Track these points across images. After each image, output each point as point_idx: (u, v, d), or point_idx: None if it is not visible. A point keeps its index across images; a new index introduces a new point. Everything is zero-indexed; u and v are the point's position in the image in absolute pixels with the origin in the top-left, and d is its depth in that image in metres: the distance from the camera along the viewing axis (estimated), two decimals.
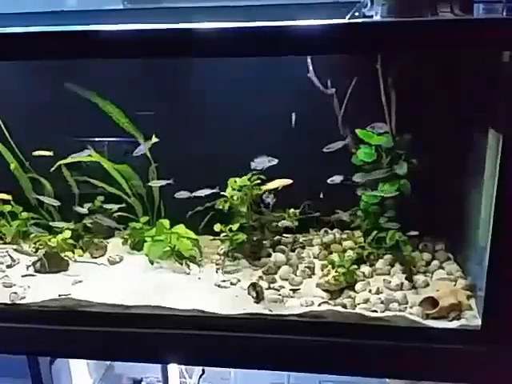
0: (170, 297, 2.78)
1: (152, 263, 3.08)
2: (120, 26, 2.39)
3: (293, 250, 3.19)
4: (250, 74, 3.13)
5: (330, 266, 2.87)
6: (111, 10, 3.49)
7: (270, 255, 3.15)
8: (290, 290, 2.86)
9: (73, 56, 2.58)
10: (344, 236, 3.26)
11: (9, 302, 2.79)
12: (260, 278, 2.99)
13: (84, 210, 3.24)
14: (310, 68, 2.96)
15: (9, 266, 3.14)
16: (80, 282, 2.95)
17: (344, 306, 2.65)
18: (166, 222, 3.15)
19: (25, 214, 3.36)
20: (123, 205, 3.38)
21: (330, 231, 3.32)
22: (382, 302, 2.65)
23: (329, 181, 2.91)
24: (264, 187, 3.07)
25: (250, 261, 3.14)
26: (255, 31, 2.34)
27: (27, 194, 3.43)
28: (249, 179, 3.12)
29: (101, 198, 3.45)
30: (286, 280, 2.97)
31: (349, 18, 2.58)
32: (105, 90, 3.29)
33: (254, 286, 2.80)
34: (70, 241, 3.13)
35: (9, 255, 3.21)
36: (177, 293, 2.84)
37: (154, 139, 3.09)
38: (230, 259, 3.16)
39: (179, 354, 2.76)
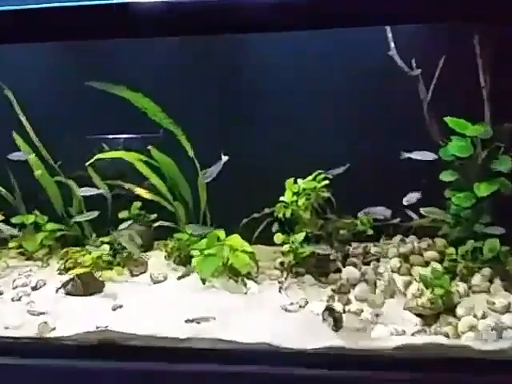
0: (229, 325, 2.32)
1: (204, 282, 2.61)
2: None
3: (366, 263, 2.72)
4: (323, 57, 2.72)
5: (420, 285, 2.40)
6: None
7: (339, 270, 2.68)
8: (372, 314, 2.39)
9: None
10: (423, 245, 2.77)
11: (36, 336, 2.34)
12: (331, 297, 2.51)
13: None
14: (392, 45, 2.46)
15: (34, 288, 2.69)
16: (120, 306, 2.49)
17: (446, 336, 2.17)
18: (221, 234, 2.67)
19: (52, 226, 2.92)
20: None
21: (406, 239, 2.84)
22: (492, 329, 2.18)
23: (404, 201, 2.43)
24: None
25: (316, 277, 2.67)
26: None
27: (54, 204, 2.97)
28: (314, 179, 2.65)
29: (137, 203, 3.00)
30: (364, 301, 2.49)
31: None
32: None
33: (330, 310, 2.33)
34: (107, 257, 2.69)
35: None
36: (237, 319, 2.37)
37: (224, 157, 2.58)
38: (292, 275, 2.70)
39: None
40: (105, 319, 2.36)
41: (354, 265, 2.68)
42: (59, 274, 2.80)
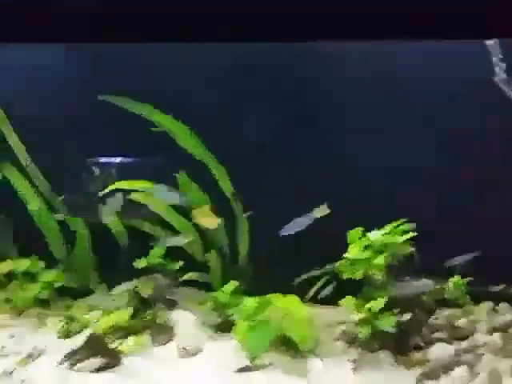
0: None
1: (253, 360, 1.99)
2: None
3: (455, 339, 2.16)
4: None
5: None
6: None
7: (419, 346, 2.11)
8: None
9: None
10: None
11: None
12: None
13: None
14: (498, 69, 1.97)
15: (30, 358, 2.01)
16: None
17: None
18: (280, 300, 2.07)
19: (49, 276, 2.28)
20: None
21: (496, 308, 2.30)
22: None
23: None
24: None
25: (394, 354, 2.10)
26: None
27: (52, 246, 2.35)
28: (393, 230, 2.10)
29: (160, 250, 2.40)
30: None
31: None
32: None
33: None
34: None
35: None
36: None
37: (325, 210, 2.00)
38: (363, 349, 2.12)
39: None
40: None
41: (442, 342, 2.11)
42: (60, 338, 2.16)
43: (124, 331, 2.05)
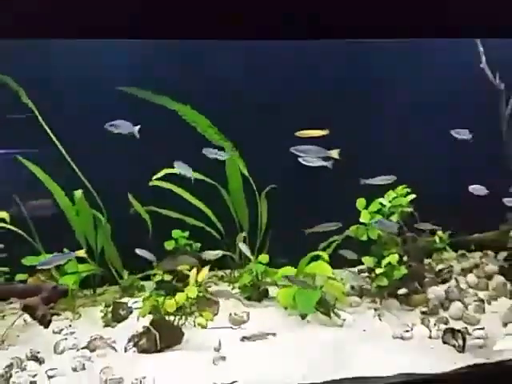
0: (353, 363, 2.06)
1: (304, 317, 2.26)
2: None
3: (443, 281, 2.66)
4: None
5: None
6: None
7: (417, 291, 2.57)
8: (475, 329, 2.33)
9: None
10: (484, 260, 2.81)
11: None
12: (423, 319, 2.40)
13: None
14: (483, 58, 2.46)
15: (91, 349, 2.02)
16: (222, 358, 2.02)
17: None
18: (315, 267, 2.35)
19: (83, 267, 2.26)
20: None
21: (467, 254, 2.87)
22: None
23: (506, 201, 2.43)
24: None
25: (400, 299, 2.52)
26: None
27: (80, 236, 2.31)
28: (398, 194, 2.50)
29: (181, 233, 2.50)
30: (460, 319, 2.43)
31: None
32: None
33: (453, 332, 2.21)
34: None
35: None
36: (356, 355, 2.12)
37: None
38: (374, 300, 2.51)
39: None
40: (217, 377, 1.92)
41: (435, 283, 2.60)
42: (106, 326, 2.19)
43: (184, 309, 2.16)
